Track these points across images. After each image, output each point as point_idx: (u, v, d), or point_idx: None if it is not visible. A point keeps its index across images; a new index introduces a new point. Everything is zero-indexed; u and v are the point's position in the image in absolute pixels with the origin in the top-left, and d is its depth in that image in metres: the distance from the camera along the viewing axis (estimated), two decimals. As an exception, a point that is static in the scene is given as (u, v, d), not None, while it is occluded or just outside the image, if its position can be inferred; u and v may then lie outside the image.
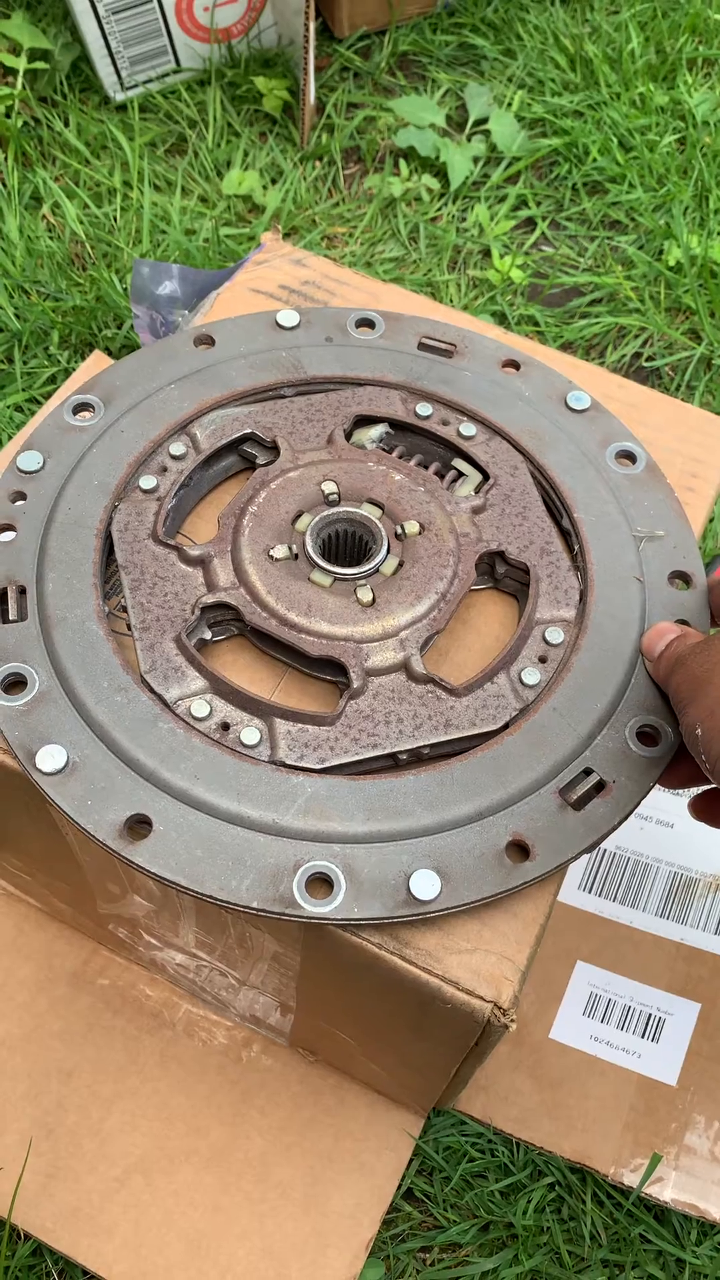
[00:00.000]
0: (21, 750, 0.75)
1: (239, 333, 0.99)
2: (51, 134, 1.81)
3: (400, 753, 0.77)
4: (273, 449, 0.92)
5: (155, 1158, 0.99)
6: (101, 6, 1.73)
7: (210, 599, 0.81)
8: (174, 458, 0.90)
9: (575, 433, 0.93)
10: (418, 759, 0.78)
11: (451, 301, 1.64)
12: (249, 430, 0.92)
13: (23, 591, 0.82)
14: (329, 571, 0.83)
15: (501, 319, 1.63)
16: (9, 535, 0.85)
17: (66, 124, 1.82)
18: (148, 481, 0.88)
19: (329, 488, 0.87)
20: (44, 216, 1.70)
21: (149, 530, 0.86)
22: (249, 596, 0.82)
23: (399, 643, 0.80)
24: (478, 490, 0.90)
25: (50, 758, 0.74)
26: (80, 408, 0.93)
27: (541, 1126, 1.03)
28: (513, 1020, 0.74)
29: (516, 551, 0.86)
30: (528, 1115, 1.04)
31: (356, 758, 0.76)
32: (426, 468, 0.92)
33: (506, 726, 0.78)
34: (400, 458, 0.92)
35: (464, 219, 1.75)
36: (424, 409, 0.93)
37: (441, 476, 0.92)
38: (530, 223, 1.77)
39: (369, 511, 0.86)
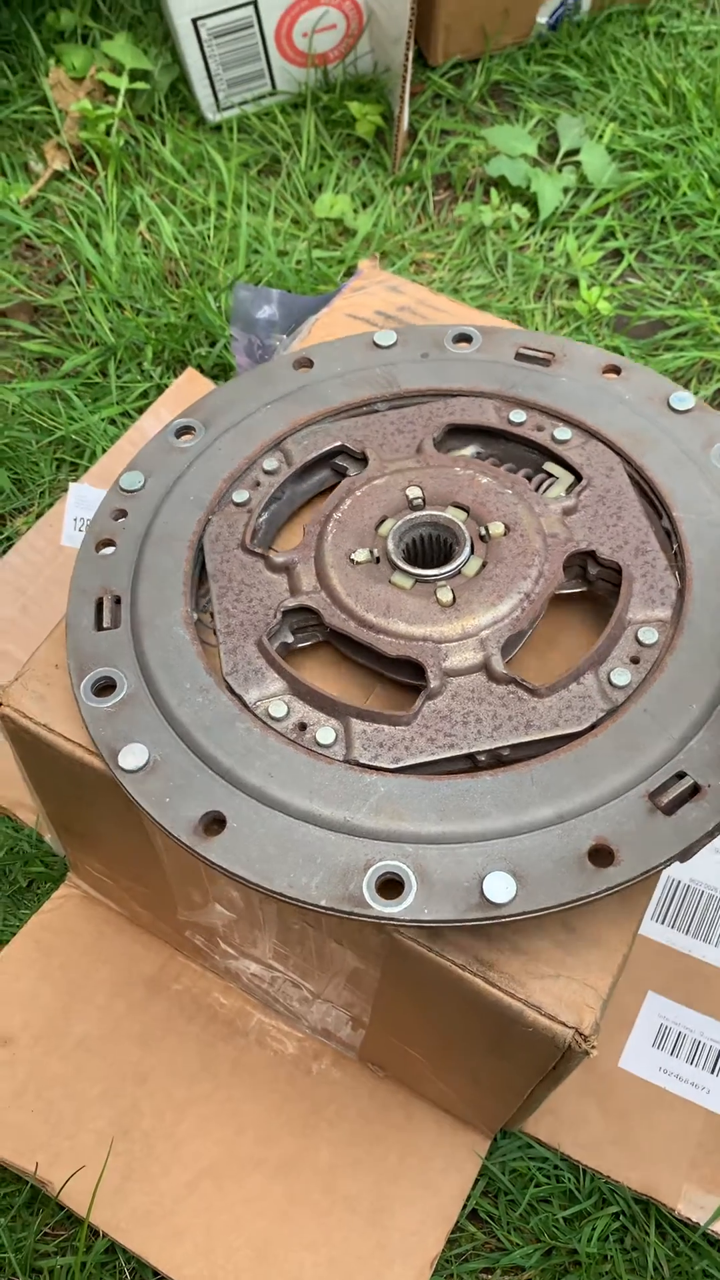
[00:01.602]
0: (106, 749, 0.79)
1: (336, 354, 1.01)
2: (149, 152, 1.85)
3: (479, 753, 0.76)
4: (363, 460, 0.93)
5: (226, 1164, 1.01)
6: (204, 30, 1.77)
7: (292, 603, 0.83)
8: (267, 472, 0.92)
9: (678, 433, 0.91)
10: (497, 760, 0.77)
11: (538, 330, 1.65)
12: (339, 443, 0.93)
13: (118, 601, 0.86)
14: (409, 573, 0.83)
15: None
16: (109, 550, 0.89)
17: (164, 142, 1.86)
18: (240, 495, 0.91)
19: (414, 493, 0.87)
20: (140, 233, 1.74)
21: (238, 540, 0.88)
22: (329, 599, 0.83)
23: (479, 643, 0.79)
24: (569, 491, 0.89)
25: (132, 755, 0.77)
26: (183, 431, 0.96)
27: (608, 1155, 1.04)
28: (593, 1047, 0.74)
29: (609, 551, 0.84)
30: (595, 1142, 1.04)
31: (433, 758, 0.75)
32: (518, 473, 0.91)
33: (593, 728, 0.76)
34: (492, 465, 0.92)
35: (551, 249, 1.77)
36: (517, 415, 0.93)
37: (533, 481, 0.91)
38: (617, 254, 1.78)
39: (453, 515, 0.86)
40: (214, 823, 0.75)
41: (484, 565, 0.83)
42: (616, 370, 0.97)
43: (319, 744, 0.77)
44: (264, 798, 0.75)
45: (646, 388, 0.95)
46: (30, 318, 1.66)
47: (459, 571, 0.83)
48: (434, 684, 0.78)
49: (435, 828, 0.72)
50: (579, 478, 0.89)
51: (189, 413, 0.97)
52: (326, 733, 0.78)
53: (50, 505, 1.41)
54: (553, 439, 0.92)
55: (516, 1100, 0.91)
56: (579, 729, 0.76)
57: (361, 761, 0.76)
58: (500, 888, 0.69)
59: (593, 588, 0.87)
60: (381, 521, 0.86)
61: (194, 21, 1.75)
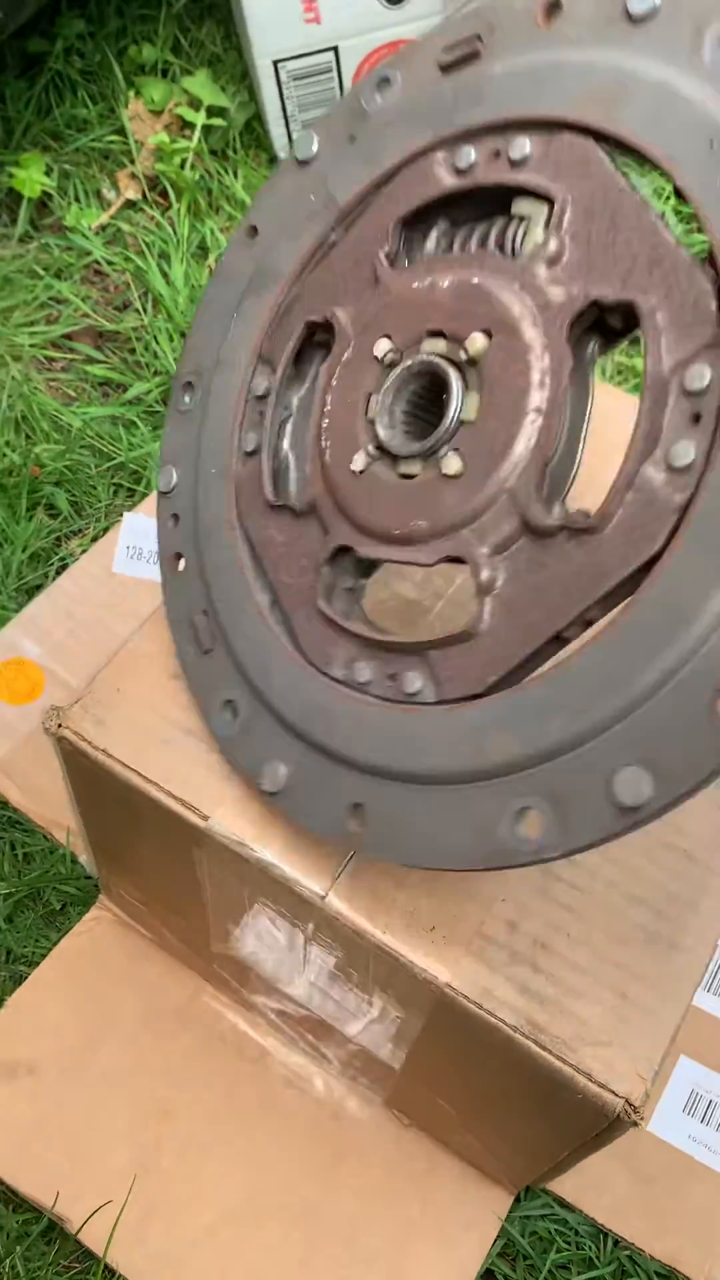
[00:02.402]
0: (245, 775, 0.78)
1: (274, 201, 0.84)
2: (221, 187, 1.87)
3: (561, 633, 0.62)
4: (330, 327, 0.77)
5: (246, 1209, 1.00)
6: (284, 73, 1.79)
7: (325, 552, 0.74)
8: (259, 398, 0.80)
9: (650, 51, 0.63)
10: (587, 626, 0.62)
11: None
12: (305, 320, 0.78)
13: (205, 613, 0.82)
14: (412, 456, 0.69)
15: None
16: (182, 563, 0.85)
17: (236, 177, 1.88)
18: (249, 441, 0.80)
19: (381, 348, 0.72)
20: (209, 267, 1.75)
21: (263, 500, 0.78)
22: (354, 529, 0.72)
23: (509, 500, 0.64)
24: (547, 227, 0.66)
25: (270, 778, 0.75)
26: (185, 391, 0.87)
27: (632, 1222, 1.02)
28: (641, 1118, 0.73)
29: (617, 287, 0.61)
30: (620, 1206, 1.03)
31: (514, 662, 0.63)
32: (488, 240, 0.70)
33: (670, 540, 0.57)
34: (464, 246, 0.72)
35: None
36: (466, 156, 0.70)
37: (508, 233, 0.69)
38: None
39: (430, 349, 0.69)
40: (355, 812, 0.70)
41: (483, 398, 0.66)
42: (555, 6, 0.68)
43: (408, 694, 0.68)
44: (388, 774, 0.68)
45: (595, 10, 0.66)
46: (95, 342, 1.68)
47: (459, 423, 0.67)
48: (485, 574, 0.65)
49: (547, 740, 0.60)
50: (552, 203, 0.66)
51: (181, 372, 0.88)
52: (413, 679, 0.68)
53: (106, 530, 1.41)
54: (509, 164, 0.68)
55: (549, 1162, 0.90)
56: (654, 550, 0.58)
57: (451, 698, 0.66)
58: (633, 788, 0.56)
59: (621, 340, 0.66)
60: (368, 403, 0.72)
61: (275, 63, 1.78)
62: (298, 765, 0.74)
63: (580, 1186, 1.03)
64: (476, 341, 0.66)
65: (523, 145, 0.67)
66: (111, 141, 1.90)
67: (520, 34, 0.70)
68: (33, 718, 1.21)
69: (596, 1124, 0.76)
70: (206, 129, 1.90)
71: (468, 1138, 0.99)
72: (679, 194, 0.60)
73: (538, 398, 0.64)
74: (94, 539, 1.42)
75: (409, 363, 0.70)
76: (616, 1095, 0.73)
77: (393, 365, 0.71)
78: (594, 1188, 1.03)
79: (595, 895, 0.79)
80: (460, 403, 0.67)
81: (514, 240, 0.68)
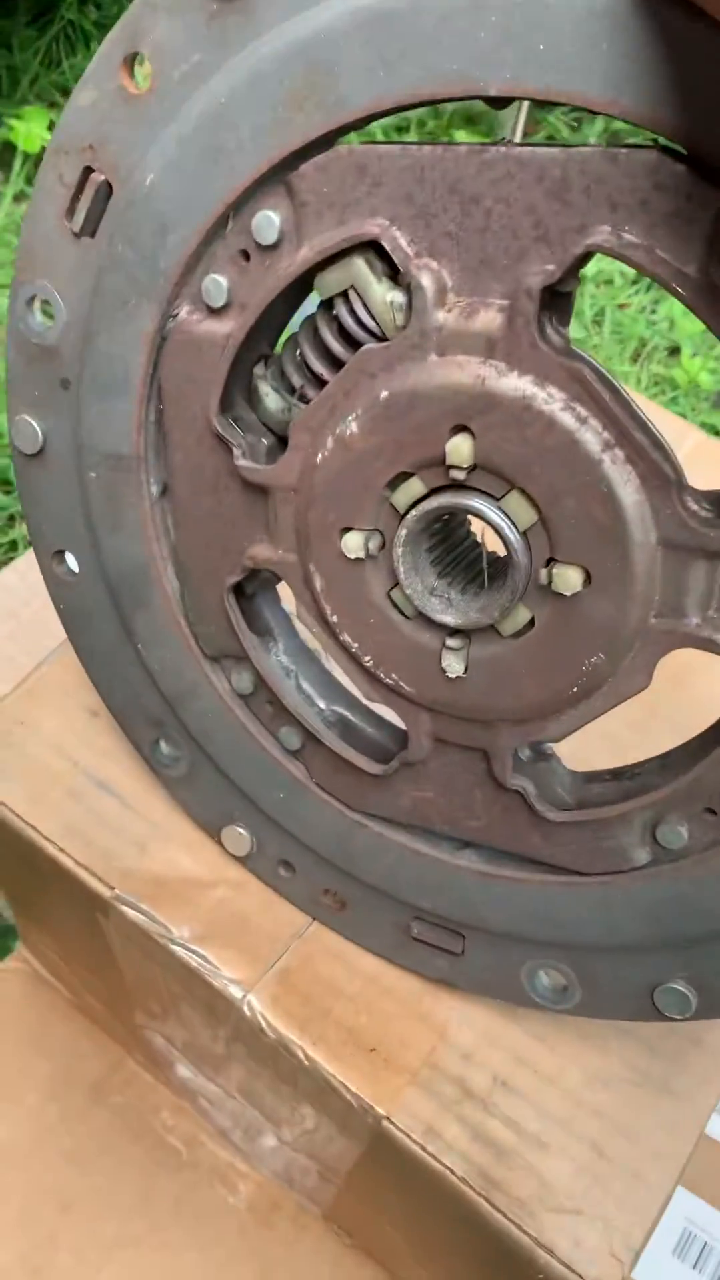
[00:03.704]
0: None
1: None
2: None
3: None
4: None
5: (148, 1330, 0.85)
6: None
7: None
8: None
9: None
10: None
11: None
12: (231, 584, 0.62)
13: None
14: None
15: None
16: None
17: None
18: (292, 741, 0.68)
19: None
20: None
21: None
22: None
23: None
24: (384, 278, 0.51)
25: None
26: None
27: None
28: (617, 1313, 0.59)
29: (546, 256, 0.47)
30: None
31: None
32: (329, 348, 0.54)
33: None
34: (310, 376, 0.55)
35: (655, 310, 1.63)
36: (215, 290, 0.55)
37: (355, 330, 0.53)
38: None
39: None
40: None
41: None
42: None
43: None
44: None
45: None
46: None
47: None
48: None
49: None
50: (374, 244, 0.50)
51: None
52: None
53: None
54: (267, 247, 0.53)
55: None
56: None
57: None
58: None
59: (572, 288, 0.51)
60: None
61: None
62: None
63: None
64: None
65: (267, 221, 0.52)
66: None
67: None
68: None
69: (559, 1310, 0.61)
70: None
71: (419, 1272, 0.84)
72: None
73: (594, 440, 0.48)
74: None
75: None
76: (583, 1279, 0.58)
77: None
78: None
79: (572, 1023, 0.64)
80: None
81: (362, 320, 0.52)
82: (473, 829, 0.60)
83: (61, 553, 0.66)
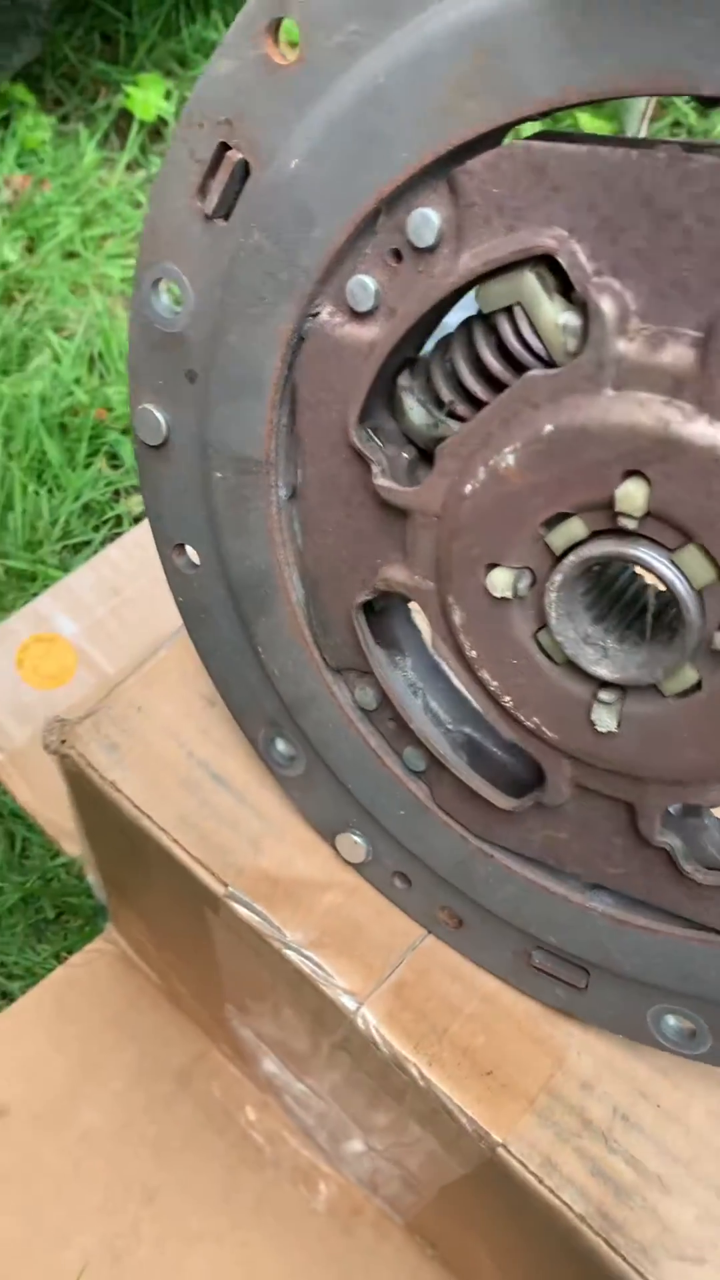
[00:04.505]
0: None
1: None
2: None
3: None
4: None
5: (228, 1328, 0.84)
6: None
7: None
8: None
9: None
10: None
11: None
12: (359, 603, 0.58)
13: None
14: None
15: None
16: None
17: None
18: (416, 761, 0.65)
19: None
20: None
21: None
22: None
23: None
24: (556, 294, 0.46)
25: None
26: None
27: None
28: None
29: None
30: None
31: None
32: (488, 370, 0.49)
33: None
34: (464, 395, 0.51)
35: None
36: (361, 291, 0.50)
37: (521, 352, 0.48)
38: None
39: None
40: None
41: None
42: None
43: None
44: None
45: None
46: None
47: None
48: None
49: None
50: (548, 258, 0.45)
51: None
52: None
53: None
54: (421, 252, 0.48)
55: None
56: None
57: None
58: None
59: None
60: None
61: None
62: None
63: None
64: (634, 496, 0.45)
65: (424, 220, 0.47)
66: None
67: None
68: (58, 705, 1.05)
69: None
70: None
71: (502, 1288, 0.82)
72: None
73: None
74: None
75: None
76: (706, 1337, 0.55)
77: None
78: None
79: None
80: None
81: (526, 340, 0.47)
82: (609, 876, 0.56)
83: (182, 545, 0.64)
